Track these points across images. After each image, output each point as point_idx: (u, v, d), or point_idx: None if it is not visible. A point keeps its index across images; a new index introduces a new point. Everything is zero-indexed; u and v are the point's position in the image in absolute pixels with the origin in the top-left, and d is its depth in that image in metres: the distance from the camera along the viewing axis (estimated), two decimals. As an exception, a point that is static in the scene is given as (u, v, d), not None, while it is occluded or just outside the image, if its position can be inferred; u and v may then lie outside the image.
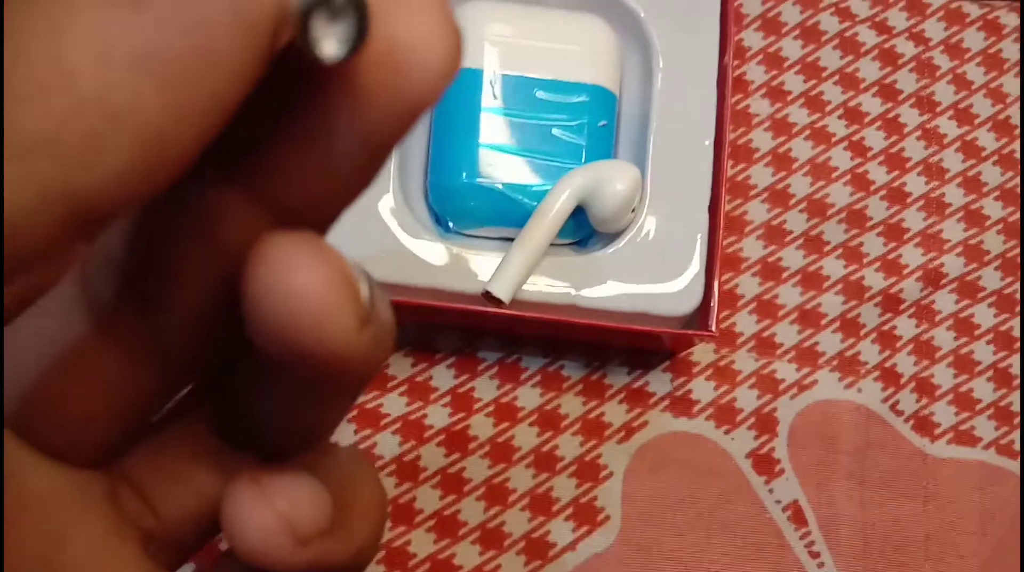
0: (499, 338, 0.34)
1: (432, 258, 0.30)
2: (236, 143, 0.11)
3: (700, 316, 0.31)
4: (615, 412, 0.33)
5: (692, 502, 0.33)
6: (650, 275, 0.31)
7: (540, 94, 0.32)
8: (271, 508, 0.12)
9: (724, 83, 0.32)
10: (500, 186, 0.31)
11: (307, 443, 0.14)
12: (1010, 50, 0.38)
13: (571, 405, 0.33)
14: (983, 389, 0.35)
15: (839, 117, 0.37)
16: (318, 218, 0.12)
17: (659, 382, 0.34)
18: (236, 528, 0.13)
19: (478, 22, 0.32)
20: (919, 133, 0.37)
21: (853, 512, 0.33)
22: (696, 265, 0.31)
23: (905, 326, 0.35)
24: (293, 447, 0.14)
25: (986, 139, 0.37)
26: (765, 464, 0.33)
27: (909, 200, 0.36)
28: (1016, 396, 0.35)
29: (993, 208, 0.37)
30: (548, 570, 0.32)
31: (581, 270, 0.31)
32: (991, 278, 0.36)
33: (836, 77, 0.37)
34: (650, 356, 0.34)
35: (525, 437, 0.33)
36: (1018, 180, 0.37)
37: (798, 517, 0.33)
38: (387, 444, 0.32)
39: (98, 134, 0.09)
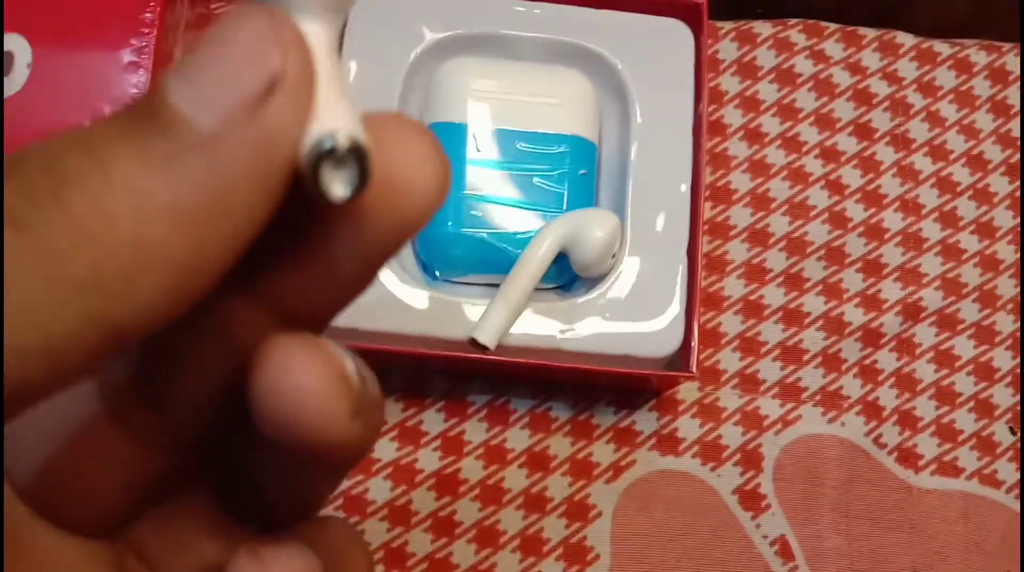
0: (488, 381, 0.34)
1: (420, 305, 0.31)
2: (246, 257, 0.12)
3: (681, 356, 0.32)
4: (603, 452, 0.34)
5: (680, 539, 0.33)
6: (632, 317, 0.32)
7: (522, 145, 0.33)
8: None
9: (700, 129, 0.33)
10: (485, 235, 0.32)
11: (303, 513, 0.15)
12: (981, 87, 0.39)
13: (559, 446, 0.34)
14: (965, 420, 0.36)
15: (816, 157, 0.38)
16: (318, 318, 0.13)
17: (645, 421, 0.35)
18: None
19: (462, 77, 0.33)
20: (895, 170, 0.38)
21: (839, 545, 0.34)
22: (676, 306, 0.32)
23: (886, 360, 0.36)
24: (290, 517, 0.15)
25: (961, 174, 0.38)
26: (751, 500, 0.34)
27: (887, 236, 0.37)
28: (998, 426, 0.36)
29: (969, 242, 0.37)
30: (540, 609, 0.32)
31: (564, 314, 0.32)
32: (969, 310, 0.37)
33: (812, 118, 0.38)
34: (636, 395, 0.35)
35: (515, 479, 0.33)
36: (993, 214, 0.38)
37: (785, 551, 0.34)
38: (379, 489, 0.33)
39: (133, 270, 0.10)
